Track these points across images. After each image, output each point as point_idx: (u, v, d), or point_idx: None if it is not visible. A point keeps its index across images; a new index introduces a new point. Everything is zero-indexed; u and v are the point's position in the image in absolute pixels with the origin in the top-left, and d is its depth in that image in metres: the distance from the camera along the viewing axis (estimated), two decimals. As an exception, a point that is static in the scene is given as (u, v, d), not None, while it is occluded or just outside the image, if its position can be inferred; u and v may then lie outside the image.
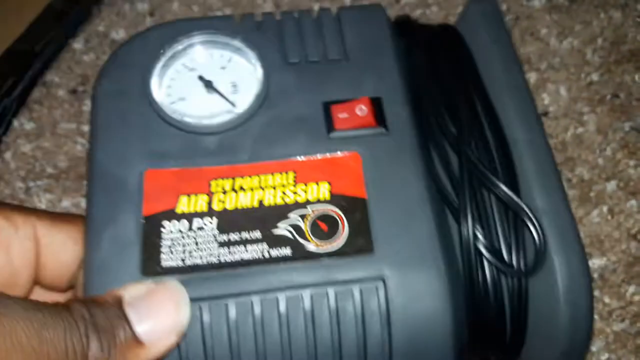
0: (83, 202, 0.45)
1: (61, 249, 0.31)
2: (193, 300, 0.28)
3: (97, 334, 0.24)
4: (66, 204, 0.45)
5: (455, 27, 0.38)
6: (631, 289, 0.40)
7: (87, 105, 0.48)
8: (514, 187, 0.31)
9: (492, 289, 0.30)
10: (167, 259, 0.29)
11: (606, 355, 0.38)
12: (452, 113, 0.33)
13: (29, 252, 0.30)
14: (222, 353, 0.28)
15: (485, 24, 0.36)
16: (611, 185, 0.44)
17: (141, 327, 0.25)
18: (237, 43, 0.34)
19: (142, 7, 0.52)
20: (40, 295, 0.32)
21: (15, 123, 0.47)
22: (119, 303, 0.26)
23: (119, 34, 0.51)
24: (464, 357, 0.32)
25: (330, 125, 0.32)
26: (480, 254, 0.30)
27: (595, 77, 0.47)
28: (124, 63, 0.35)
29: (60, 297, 0.33)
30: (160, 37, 0.35)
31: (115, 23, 0.51)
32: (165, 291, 0.27)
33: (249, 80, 0.34)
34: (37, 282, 0.32)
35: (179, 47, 0.34)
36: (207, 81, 0.34)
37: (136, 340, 0.25)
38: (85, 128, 0.47)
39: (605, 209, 0.43)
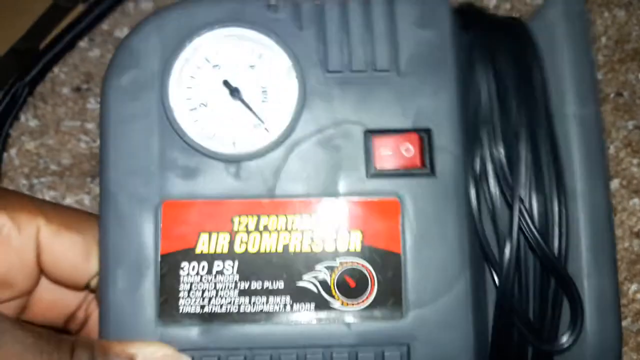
0: (86, 200, 0.45)
1: (63, 255, 0.30)
2: (211, 349, 0.27)
3: None
4: (69, 201, 0.45)
5: (525, 23, 0.32)
6: (633, 287, 0.41)
7: (91, 103, 0.47)
8: (563, 253, 0.28)
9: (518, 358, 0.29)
10: (186, 305, 0.28)
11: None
12: (511, 156, 0.29)
13: (29, 252, 0.30)
14: None
15: (565, 24, 0.31)
16: (614, 184, 0.44)
17: None
18: (269, 41, 0.29)
19: (146, 6, 0.51)
20: (49, 290, 0.32)
21: (21, 119, 0.47)
22: None
23: (123, 32, 0.51)
24: None
25: (370, 164, 0.29)
26: (513, 317, 0.29)
27: (599, 75, 0.47)
28: (138, 52, 0.29)
29: (73, 297, 0.33)
30: (179, 21, 0.29)
31: (120, 21, 0.51)
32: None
33: (281, 87, 0.29)
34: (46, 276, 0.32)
35: (202, 38, 0.29)
36: (234, 88, 0.29)
37: None
38: (89, 126, 0.46)
39: (608, 207, 0.43)
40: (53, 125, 0.47)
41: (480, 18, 0.32)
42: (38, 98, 0.48)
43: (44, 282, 0.32)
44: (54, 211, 0.31)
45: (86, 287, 0.31)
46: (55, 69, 0.50)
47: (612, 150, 0.45)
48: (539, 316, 0.28)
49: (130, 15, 0.52)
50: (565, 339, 0.28)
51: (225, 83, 0.30)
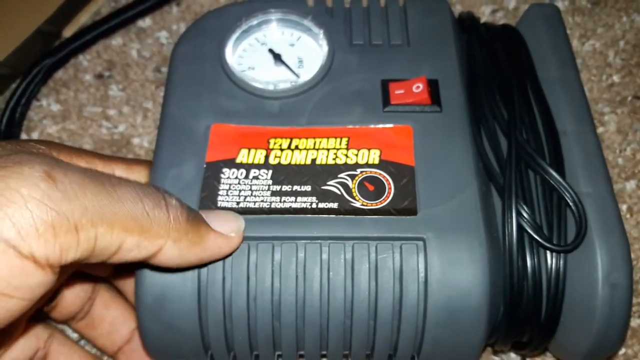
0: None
1: None
2: (243, 239, 0.30)
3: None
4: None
5: (515, 27, 0.41)
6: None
7: (112, 90, 0.48)
8: (560, 171, 0.32)
9: (530, 265, 0.31)
10: (223, 200, 0.31)
11: (623, 350, 0.39)
12: (506, 100, 0.35)
13: None
14: (264, 291, 0.30)
15: (545, 25, 0.39)
16: (630, 185, 0.44)
17: (212, 224, 0.29)
18: (307, 23, 0.38)
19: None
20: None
21: (43, 103, 0.48)
22: None
23: (146, 22, 0.52)
24: (499, 333, 0.33)
25: (386, 100, 0.35)
26: (522, 230, 0.31)
27: (616, 78, 0.48)
28: (203, 31, 0.38)
29: None
30: (237, 12, 0.38)
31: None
32: (223, 211, 0.31)
33: (315, 58, 0.37)
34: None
35: (254, 22, 0.38)
36: (276, 54, 0.37)
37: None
38: (111, 112, 0.47)
39: (624, 207, 0.44)
40: (75, 110, 0.47)
41: (475, 21, 0.40)
42: (60, 83, 0.49)
43: None
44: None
45: None
46: (79, 56, 0.50)
47: (628, 152, 0.45)
48: (548, 226, 0.32)
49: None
50: (571, 240, 0.31)
51: (270, 51, 0.38)
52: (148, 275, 0.30)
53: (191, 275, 0.30)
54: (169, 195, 0.28)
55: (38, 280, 0.23)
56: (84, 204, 0.24)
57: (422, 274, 0.30)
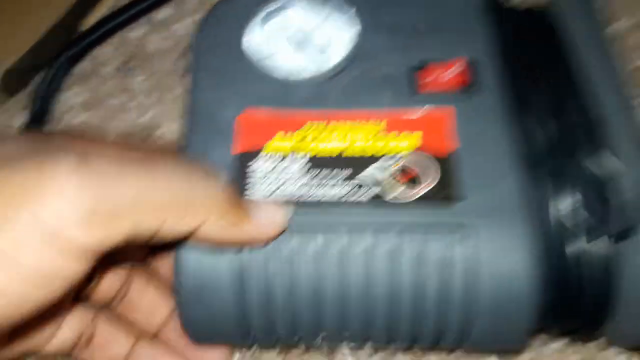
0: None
1: None
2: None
3: None
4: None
5: (547, 8, 0.39)
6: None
7: (135, 82, 0.47)
8: (606, 154, 0.31)
9: (579, 255, 0.30)
10: (256, 192, 0.30)
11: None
12: (547, 81, 0.34)
13: None
14: (305, 280, 0.29)
15: (576, 7, 0.37)
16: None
17: (255, 209, 0.28)
18: (334, 2, 0.36)
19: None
20: None
21: (66, 96, 0.47)
22: None
23: (165, 13, 0.51)
24: (546, 324, 0.32)
25: (422, 82, 0.33)
26: (574, 214, 0.30)
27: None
28: (224, 16, 0.36)
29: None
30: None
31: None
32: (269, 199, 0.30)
33: (343, 39, 0.35)
34: None
35: (278, 3, 0.36)
36: (302, 36, 0.36)
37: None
38: (132, 104, 0.47)
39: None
40: (98, 102, 0.47)
41: (504, 4, 0.39)
42: (82, 76, 0.48)
43: None
44: None
45: None
46: (98, 48, 0.49)
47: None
48: (598, 211, 0.30)
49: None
50: (625, 225, 0.30)
51: (295, 33, 0.36)
52: (187, 256, 0.29)
53: (232, 258, 0.29)
54: (214, 171, 0.27)
55: (74, 270, 0.23)
56: (122, 188, 0.23)
57: (467, 264, 0.29)
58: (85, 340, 0.33)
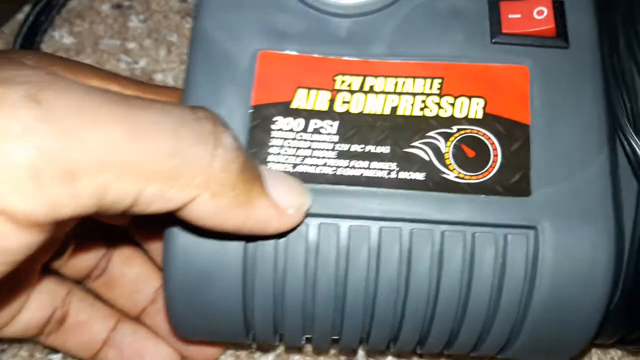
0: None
1: None
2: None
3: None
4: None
5: None
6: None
7: (132, 22, 0.44)
8: None
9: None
10: (276, 161, 0.24)
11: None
12: None
13: None
14: (325, 281, 0.24)
15: None
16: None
17: (270, 187, 0.22)
18: None
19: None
20: None
21: (56, 36, 0.44)
22: None
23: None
24: (607, 329, 0.27)
25: (496, 26, 0.26)
26: None
27: None
28: None
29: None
30: None
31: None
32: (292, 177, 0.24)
33: None
34: None
35: None
36: None
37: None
38: (130, 45, 0.43)
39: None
40: (90, 43, 0.43)
41: None
42: (74, 14, 0.45)
43: None
44: None
45: None
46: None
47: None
48: None
49: None
50: None
51: None
52: (181, 236, 0.24)
53: (235, 246, 0.24)
54: (224, 127, 0.21)
55: (20, 243, 0.18)
56: (84, 139, 0.18)
57: (529, 271, 0.24)
58: (56, 322, 0.29)
